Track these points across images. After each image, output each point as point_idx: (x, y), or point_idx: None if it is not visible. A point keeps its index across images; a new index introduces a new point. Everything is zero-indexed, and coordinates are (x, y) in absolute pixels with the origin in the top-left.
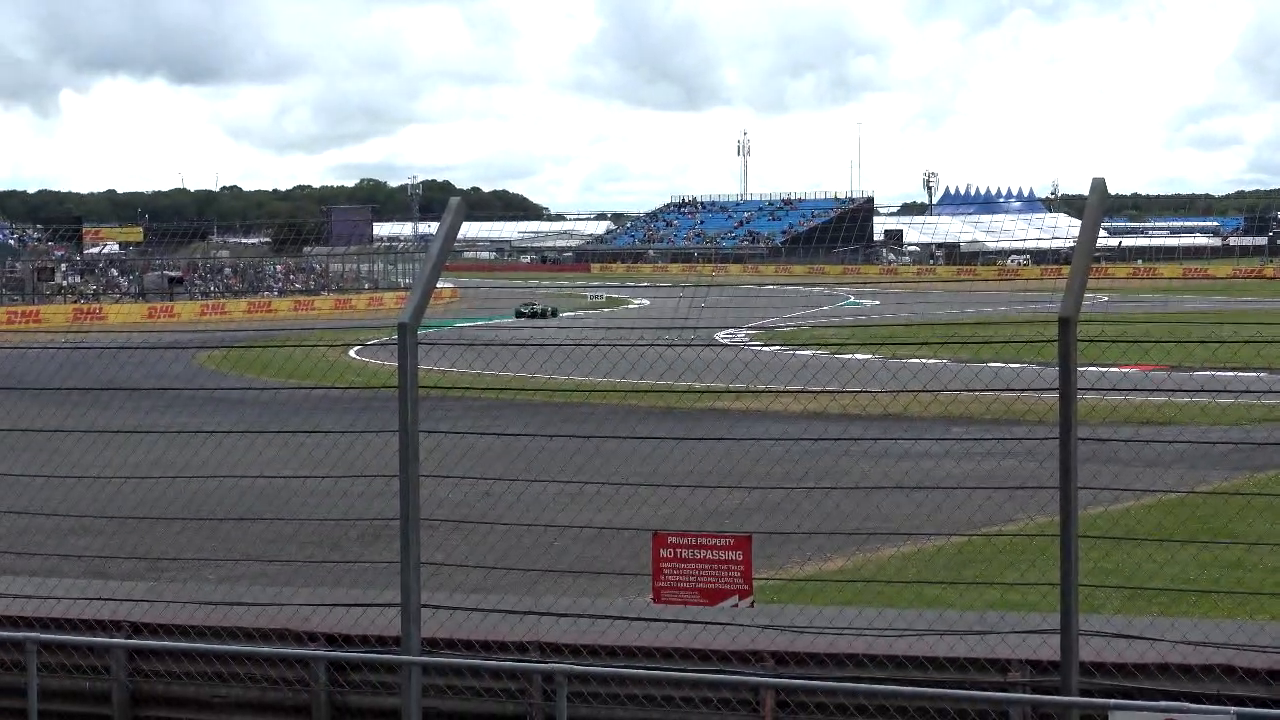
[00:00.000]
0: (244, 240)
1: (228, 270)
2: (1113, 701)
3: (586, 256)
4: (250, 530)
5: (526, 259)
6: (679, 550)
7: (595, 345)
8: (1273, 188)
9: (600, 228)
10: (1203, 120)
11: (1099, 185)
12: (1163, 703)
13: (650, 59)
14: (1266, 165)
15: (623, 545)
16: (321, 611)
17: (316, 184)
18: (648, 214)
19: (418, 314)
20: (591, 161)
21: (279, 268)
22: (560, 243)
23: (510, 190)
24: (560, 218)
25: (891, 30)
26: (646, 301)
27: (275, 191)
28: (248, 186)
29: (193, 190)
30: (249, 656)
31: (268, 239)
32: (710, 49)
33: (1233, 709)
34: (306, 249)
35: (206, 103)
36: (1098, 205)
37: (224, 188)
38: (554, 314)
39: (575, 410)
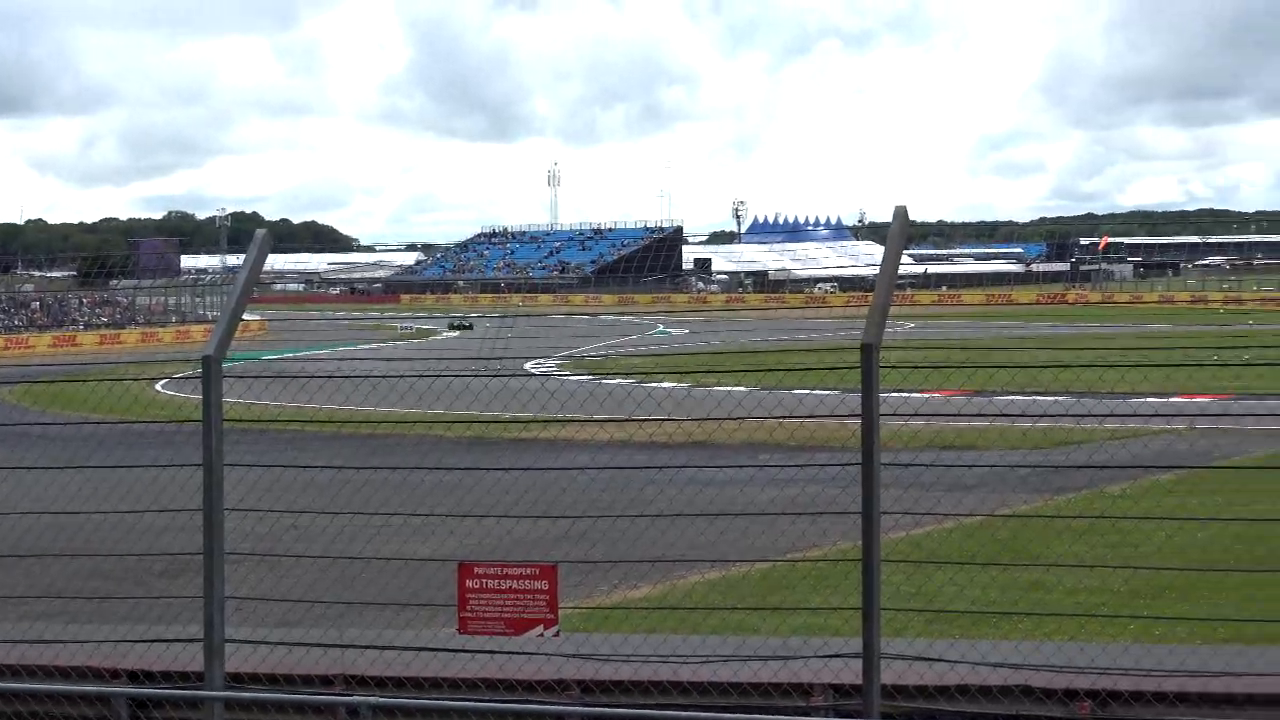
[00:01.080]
0: (49, 274)
1: (34, 304)
2: None
3: (397, 288)
4: (52, 567)
5: (336, 290)
6: (485, 581)
7: (403, 376)
8: (1074, 214)
9: (410, 258)
10: (1006, 148)
11: (900, 213)
12: None
13: (460, 90)
14: (1068, 192)
15: (430, 576)
16: (124, 648)
17: (124, 216)
18: (458, 244)
19: (222, 345)
20: (402, 192)
21: (85, 300)
22: (370, 274)
23: (320, 221)
24: (370, 249)
25: (701, 61)
26: (456, 333)
27: (82, 224)
28: (53, 219)
29: None
30: (49, 695)
31: (74, 272)
32: (520, 79)
33: None
34: (113, 282)
35: (10, 135)
36: (899, 233)
37: (29, 220)
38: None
39: (383, 442)
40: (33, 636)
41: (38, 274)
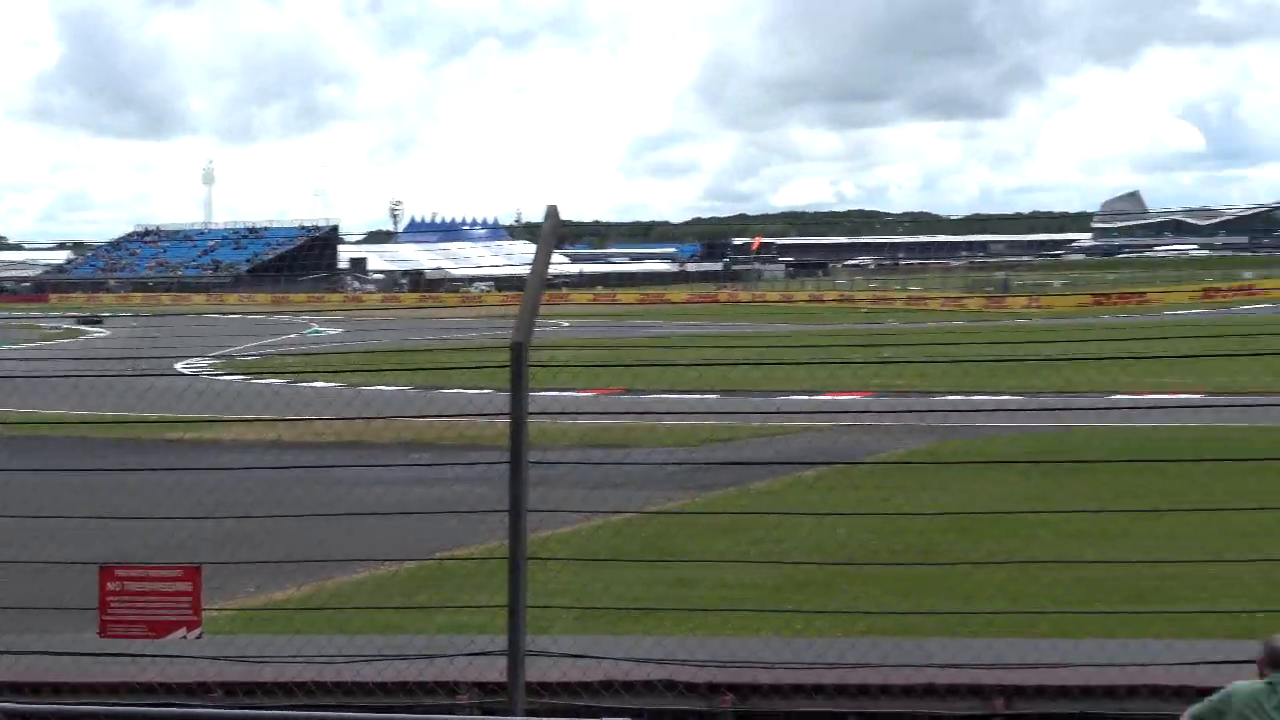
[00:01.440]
0: None
1: None
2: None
3: (45, 287)
4: None
5: None
6: (126, 583)
7: (48, 377)
8: (728, 215)
9: (61, 257)
10: (662, 149)
11: (551, 212)
12: None
13: (114, 86)
14: (723, 193)
15: (71, 580)
16: None
17: None
18: (110, 243)
19: None
20: (52, 190)
21: None
22: (17, 273)
23: None
24: (18, 247)
25: (358, 59)
26: (108, 331)
27: None
28: None
29: None
30: None
31: None
32: (175, 77)
33: None
34: None
35: None
36: (550, 231)
37: None
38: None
39: (26, 443)
40: None
41: None
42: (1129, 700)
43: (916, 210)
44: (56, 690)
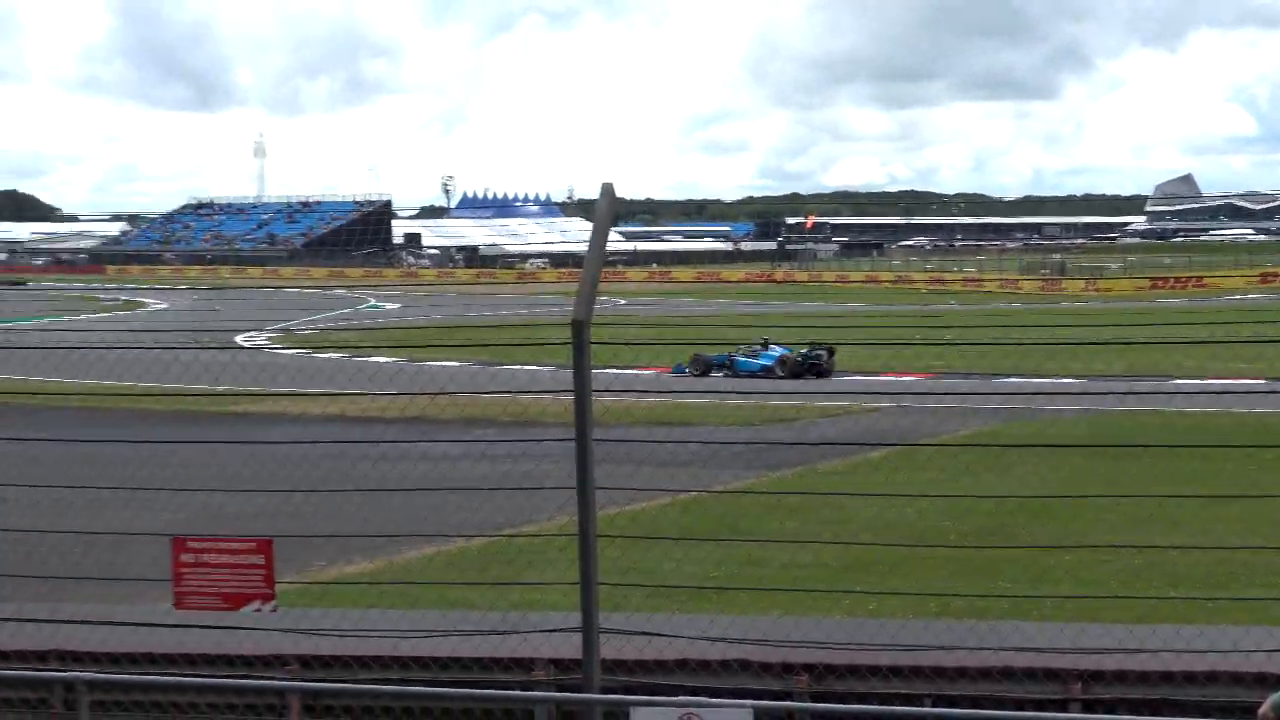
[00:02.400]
0: None
1: None
2: (633, 699)
3: (102, 258)
4: None
5: (40, 261)
6: (199, 555)
7: (111, 348)
8: (780, 194)
9: (115, 229)
10: (712, 126)
11: (607, 190)
12: (682, 698)
13: (162, 59)
14: (774, 171)
15: (143, 551)
16: None
17: None
18: (164, 215)
19: None
20: (104, 162)
21: None
22: (75, 244)
23: (21, 190)
24: (74, 219)
25: (402, 32)
26: (165, 305)
27: None
28: None
29: None
30: None
31: None
32: (223, 49)
33: (749, 702)
34: None
35: None
36: (607, 210)
37: None
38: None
39: (93, 414)
40: None
41: None
42: (1209, 686)
43: (969, 192)
44: (134, 661)
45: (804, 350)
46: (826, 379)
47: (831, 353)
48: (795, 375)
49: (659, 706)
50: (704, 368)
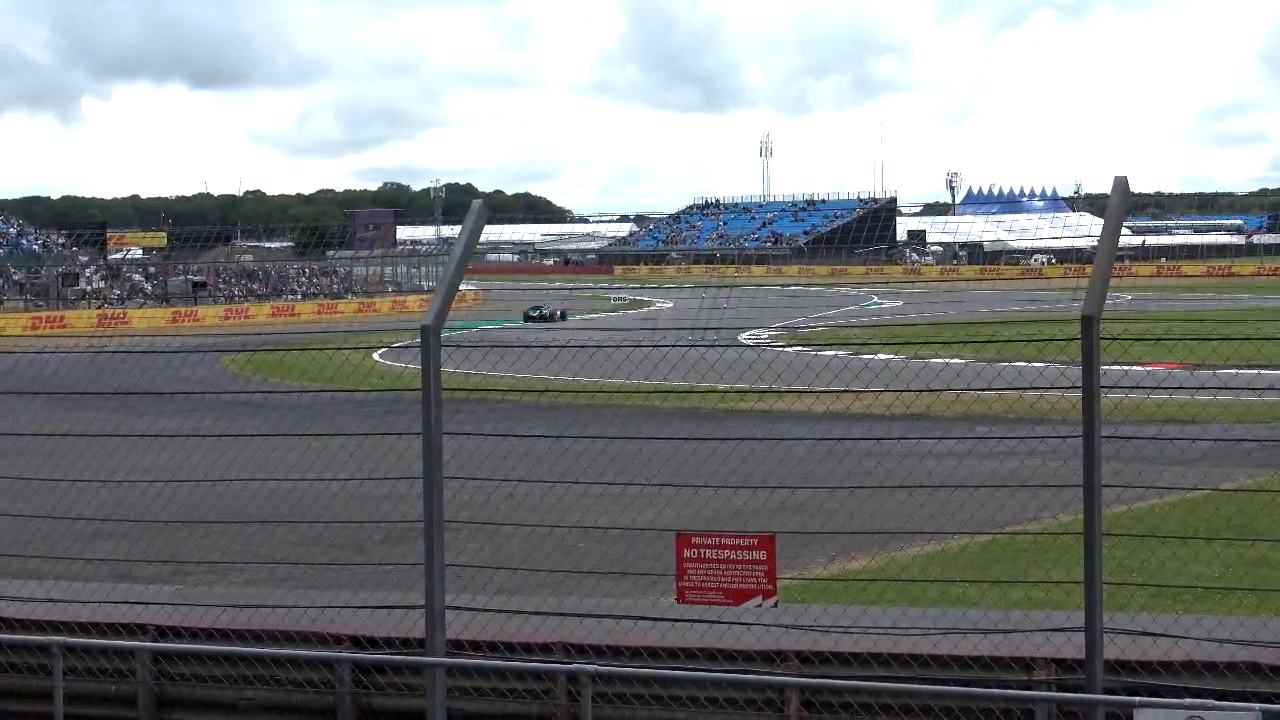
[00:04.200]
0: (267, 244)
1: (258, 271)
2: (1139, 699)
3: (609, 259)
4: (275, 533)
5: (549, 261)
6: (702, 550)
7: (618, 346)
8: None
9: (623, 230)
10: (1225, 118)
11: (1121, 184)
12: (1188, 700)
13: (671, 62)
14: None
15: (646, 546)
16: (346, 614)
17: (339, 188)
18: (670, 216)
19: (440, 316)
20: (612, 164)
21: (307, 270)
22: (583, 245)
23: (533, 193)
24: (583, 220)
25: (912, 31)
26: (670, 304)
27: (299, 195)
28: (270, 190)
29: (216, 195)
30: (274, 659)
31: (291, 243)
32: (731, 51)
33: (1258, 706)
34: (330, 252)
35: (227, 107)
36: (1120, 204)
37: (247, 192)
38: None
39: (598, 412)
40: (257, 601)
41: (256, 244)
42: None
43: None
44: (637, 654)
45: None
46: None
47: None
48: None
49: (1164, 708)
50: None
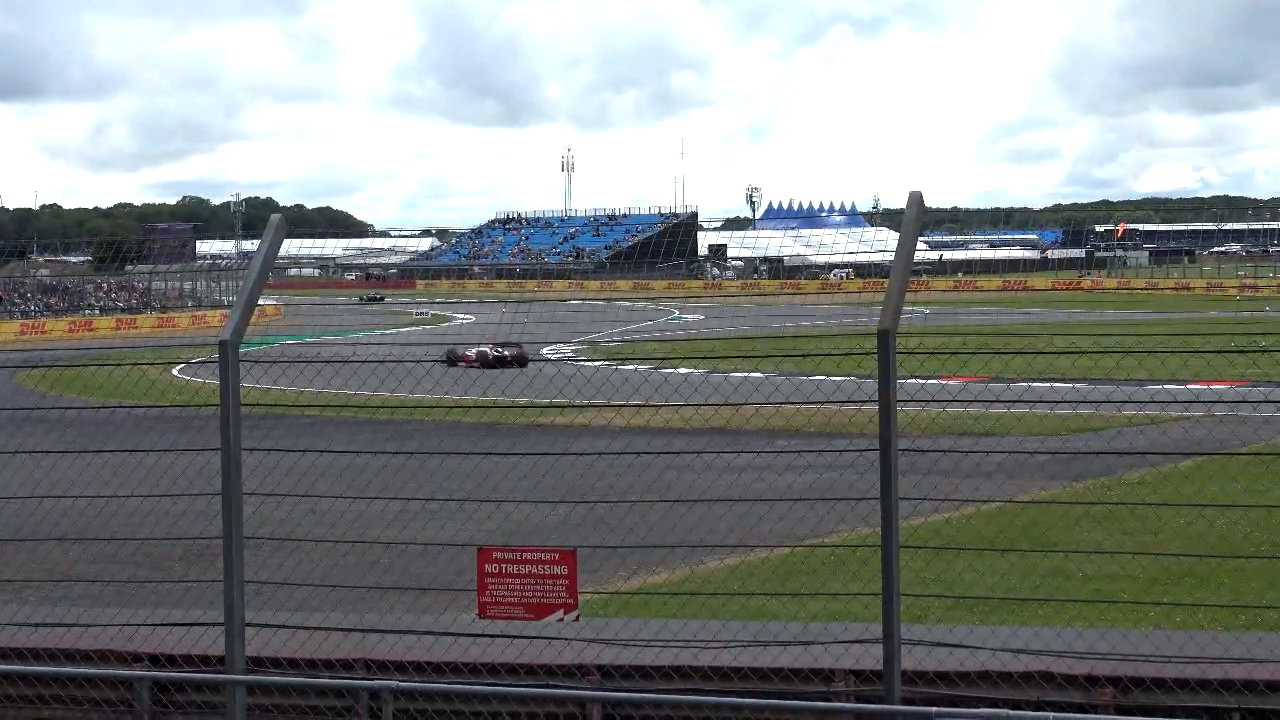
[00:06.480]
0: (65, 259)
1: (55, 285)
2: (935, 710)
3: (411, 273)
4: (71, 551)
5: (351, 276)
6: (504, 565)
7: (419, 361)
8: (1089, 201)
9: (425, 244)
10: (1019, 134)
11: (915, 198)
12: (984, 710)
13: (471, 76)
14: (1082, 179)
15: (448, 561)
16: (145, 632)
17: (138, 201)
18: (472, 230)
19: (239, 331)
20: (414, 178)
21: (105, 285)
22: (385, 260)
23: (334, 207)
24: (385, 234)
25: (711, 46)
26: (471, 318)
27: (96, 209)
28: (67, 204)
29: (10, 209)
30: (71, 678)
31: (89, 257)
32: (531, 66)
33: (1051, 714)
34: (129, 267)
35: (21, 120)
36: (914, 218)
37: (43, 205)
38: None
39: (400, 427)
40: (53, 620)
41: (53, 259)
42: None
43: None
44: (439, 670)
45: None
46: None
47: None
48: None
49: (960, 718)
50: None
